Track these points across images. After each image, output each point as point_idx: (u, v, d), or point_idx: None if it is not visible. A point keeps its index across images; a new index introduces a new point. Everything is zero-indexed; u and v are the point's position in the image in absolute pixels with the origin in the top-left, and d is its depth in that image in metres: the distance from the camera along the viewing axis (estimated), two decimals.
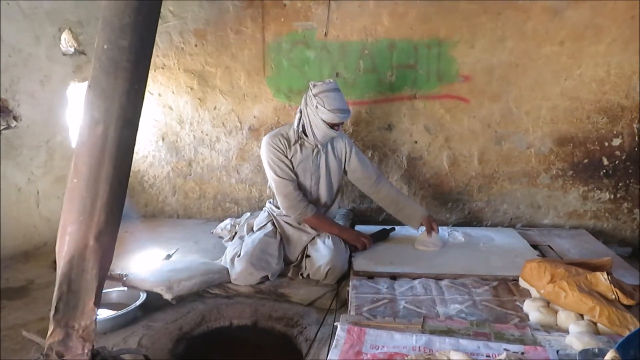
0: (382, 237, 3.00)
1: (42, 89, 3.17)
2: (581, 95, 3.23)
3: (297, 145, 2.83)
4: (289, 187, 2.79)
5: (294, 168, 2.83)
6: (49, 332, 1.37)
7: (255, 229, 2.91)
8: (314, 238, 2.80)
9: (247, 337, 2.40)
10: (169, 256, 3.05)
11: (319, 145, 2.84)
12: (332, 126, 2.71)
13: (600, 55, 3.15)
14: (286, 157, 2.81)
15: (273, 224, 2.88)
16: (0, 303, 2.44)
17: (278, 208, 2.91)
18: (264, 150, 2.83)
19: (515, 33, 3.21)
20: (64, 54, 3.34)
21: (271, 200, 3.03)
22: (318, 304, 2.47)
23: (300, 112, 2.78)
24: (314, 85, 2.71)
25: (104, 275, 1.42)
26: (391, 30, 3.35)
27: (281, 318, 2.41)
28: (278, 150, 2.80)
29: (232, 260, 2.65)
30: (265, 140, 2.85)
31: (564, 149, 3.34)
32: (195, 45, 3.63)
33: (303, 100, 2.77)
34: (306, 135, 2.80)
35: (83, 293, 1.37)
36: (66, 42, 3.38)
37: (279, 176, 2.79)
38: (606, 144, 3.28)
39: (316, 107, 2.66)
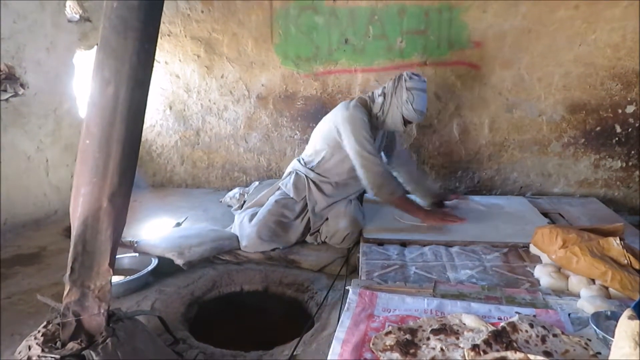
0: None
1: (48, 56, 3.14)
2: (595, 61, 3.17)
3: (374, 124, 2.75)
4: (381, 165, 2.67)
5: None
6: (65, 292, 1.38)
7: (278, 193, 2.83)
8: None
9: (258, 302, 2.43)
10: (178, 224, 3.07)
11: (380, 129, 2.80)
12: (406, 123, 2.69)
13: (616, 19, 3.07)
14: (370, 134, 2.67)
15: (302, 193, 2.78)
16: (0, 270, 2.47)
17: (316, 174, 2.79)
18: (358, 124, 2.63)
19: None
20: (69, 21, 3.30)
21: (307, 163, 2.86)
22: (328, 270, 2.49)
23: (384, 97, 2.67)
24: (410, 78, 2.60)
25: (118, 237, 1.42)
26: None
27: (291, 284, 2.43)
28: (367, 126, 2.65)
29: (243, 224, 2.68)
30: (355, 113, 2.65)
31: (576, 116, 3.30)
32: (202, 12, 3.57)
33: (391, 86, 2.65)
34: (377, 116, 2.71)
35: (98, 254, 1.37)
36: (71, 8, 3.33)
37: (371, 153, 2.61)
38: (619, 111, 3.23)
39: (406, 100, 2.59)
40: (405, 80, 2.60)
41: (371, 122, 2.71)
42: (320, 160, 2.80)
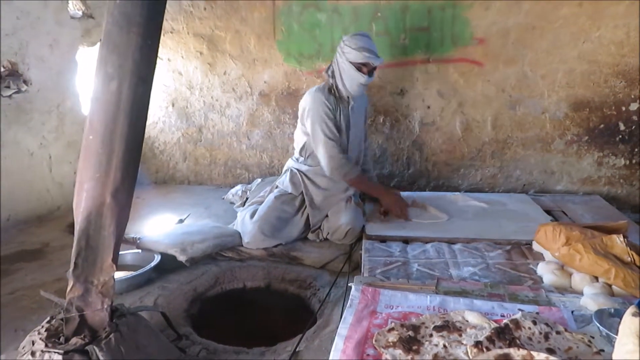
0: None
1: (51, 53, 3.14)
2: (599, 59, 3.16)
3: (340, 100, 2.75)
4: (335, 148, 2.69)
5: (340, 125, 2.76)
6: (68, 288, 1.38)
7: (276, 191, 2.85)
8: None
9: (260, 298, 2.43)
10: (181, 221, 3.07)
11: (351, 101, 2.79)
12: (359, 69, 2.64)
13: (620, 16, 3.05)
14: (334, 114, 2.71)
15: (299, 188, 2.81)
16: (1, 266, 2.48)
17: (308, 165, 2.83)
18: (315, 105, 2.68)
19: None
20: (72, 18, 3.30)
21: (298, 158, 2.91)
22: (330, 267, 2.49)
23: (332, 64, 2.75)
24: (348, 36, 2.70)
25: (121, 232, 1.42)
26: None
27: (294, 280, 2.43)
28: (328, 107, 2.68)
29: (244, 221, 2.68)
30: (314, 94, 2.71)
31: (580, 114, 3.28)
32: (205, 9, 3.57)
33: (336, 53, 2.75)
34: (338, 88, 2.74)
35: (101, 249, 1.38)
36: (74, 5, 3.33)
37: (327, 136, 2.68)
38: (623, 108, 3.21)
39: (342, 49, 2.65)
40: (343, 40, 2.69)
41: (336, 96, 2.74)
42: (305, 152, 2.84)
